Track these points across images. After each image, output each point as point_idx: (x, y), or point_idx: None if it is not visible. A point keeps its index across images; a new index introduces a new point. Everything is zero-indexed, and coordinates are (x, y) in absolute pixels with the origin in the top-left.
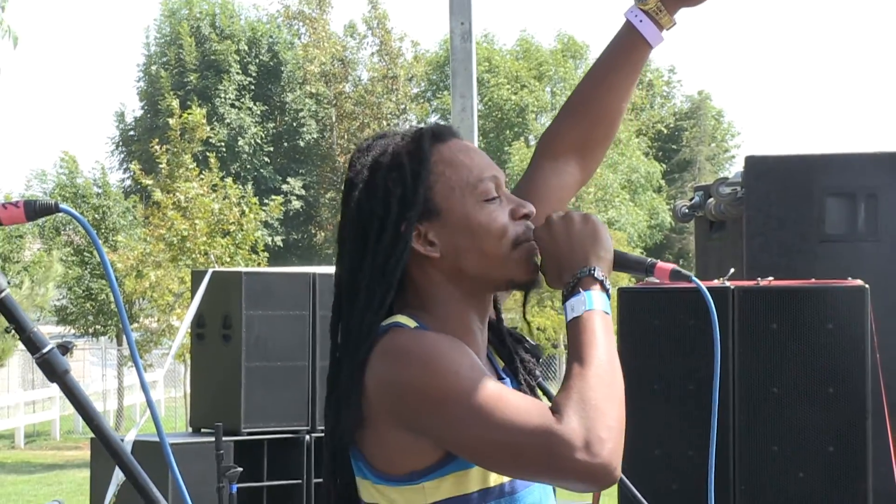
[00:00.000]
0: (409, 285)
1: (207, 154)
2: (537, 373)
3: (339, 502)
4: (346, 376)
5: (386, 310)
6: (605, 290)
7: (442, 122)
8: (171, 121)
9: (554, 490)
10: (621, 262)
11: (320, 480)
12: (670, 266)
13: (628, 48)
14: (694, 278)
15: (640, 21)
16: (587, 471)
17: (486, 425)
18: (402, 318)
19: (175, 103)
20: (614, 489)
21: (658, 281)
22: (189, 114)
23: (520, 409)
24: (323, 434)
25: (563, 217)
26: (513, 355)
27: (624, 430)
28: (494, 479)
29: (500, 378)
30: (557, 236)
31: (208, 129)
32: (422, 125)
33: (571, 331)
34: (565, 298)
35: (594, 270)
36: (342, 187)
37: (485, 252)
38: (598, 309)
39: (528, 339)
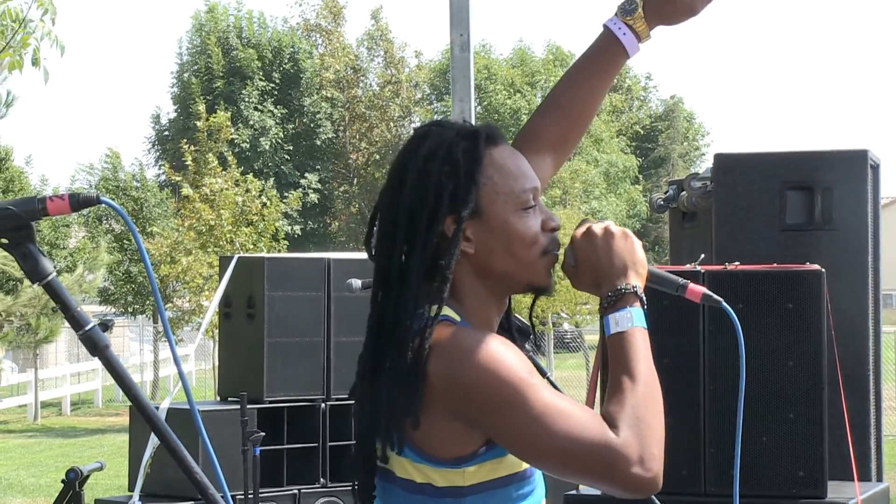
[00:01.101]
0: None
1: (227, 154)
2: (528, 348)
3: (367, 467)
4: (402, 363)
5: (441, 306)
6: (643, 306)
7: (493, 125)
8: (198, 123)
9: None
10: (654, 279)
11: (335, 444)
12: (701, 290)
13: (607, 55)
14: (724, 303)
15: (623, 33)
16: (640, 483)
17: (549, 432)
18: (448, 311)
19: (202, 107)
20: None
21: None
22: (214, 117)
23: (580, 419)
24: (353, 406)
25: (605, 230)
26: (509, 335)
27: (664, 440)
28: (521, 465)
29: None
30: (598, 249)
31: (233, 130)
32: (475, 124)
33: (616, 344)
34: (607, 311)
35: (637, 288)
36: (392, 166)
37: (514, 255)
38: (639, 325)
39: (519, 317)
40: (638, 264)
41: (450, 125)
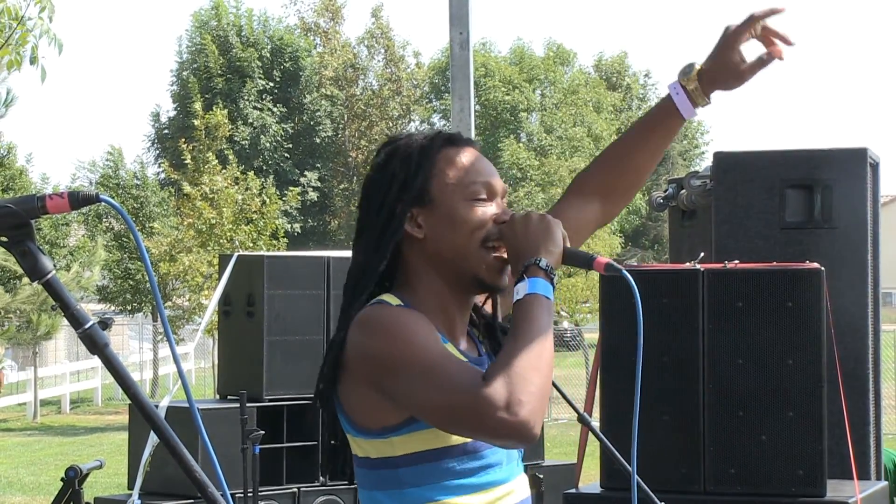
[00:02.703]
0: (401, 263)
1: (227, 152)
2: None
3: (331, 453)
4: (333, 340)
5: (377, 278)
6: (550, 279)
7: (459, 133)
8: (196, 121)
9: (520, 452)
10: (569, 257)
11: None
12: (606, 260)
13: (663, 117)
14: (624, 271)
15: (677, 93)
16: (506, 427)
17: (428, 388)
18: (387, 297)
19: (198, 105)
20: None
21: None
22: (211, 115)
23: (455, 374)
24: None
25: (524, 216)
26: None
27: (547, 397)
28: (455, 438)
29: (479, 354)
30: (517, 232)
31: (231, 127)
32: (438, 129)
33: (514, 312)
34: (515, 284)
35: (540, 261)
36: (355, 179)
37: (458, 242)
38: (540, 293)
39: (504, 324)
40: (549, 242)
41: (417, 134)
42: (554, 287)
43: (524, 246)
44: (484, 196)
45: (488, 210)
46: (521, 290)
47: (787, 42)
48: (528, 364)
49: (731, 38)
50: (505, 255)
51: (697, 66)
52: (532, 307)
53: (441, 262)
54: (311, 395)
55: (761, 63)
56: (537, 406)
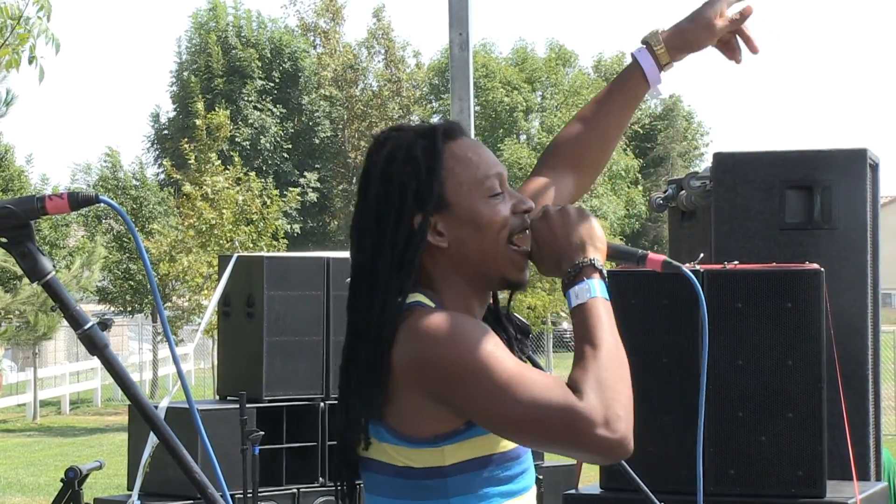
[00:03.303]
0: (420, 269)
1: (230, 152)
2: (527, 344)
3: (347, 464)
4: (370, 354)
5: (406, 295)
6: (604, 279)
7: (452, 120)
8: (197, 122)
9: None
10: (615, 253)
11: (335, 443)
12: (661, 257)
13: (628, 84)
14: (683, 268)
15: (645, 60)
16: (607, 445)
17: (514, 400)
18: (421, 297)
19: (200, 105)
20: None
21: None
22: (213, 115)
23: (544, 385)
24: (337, 401)
25: (560, 210)
26: (507, 333)
27: (632, 405)
28: (503, 444)
29: None
30: (555, 228)
31: (232, 128)
32: (433, 122)
33: (578, 316)
34: (568, 286)
35: (595, 260)
36: (358, 178)
37: (485, 242)
38: (600, 296)
39: (518, 317)
40: (595, 239)
41: (408, 127)
42: (608, 286)
43: (565, 243)
44: (499, 190)
45: (509, 203)
46: (582, 293)
47: (751, 48)
48: (616, 375)
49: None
50: (526, 248)
51: (662, 29)
52: (601, 311)
53: (466, 265)
54: (311, 396)
55: (735, 23)
56: (630, 419)
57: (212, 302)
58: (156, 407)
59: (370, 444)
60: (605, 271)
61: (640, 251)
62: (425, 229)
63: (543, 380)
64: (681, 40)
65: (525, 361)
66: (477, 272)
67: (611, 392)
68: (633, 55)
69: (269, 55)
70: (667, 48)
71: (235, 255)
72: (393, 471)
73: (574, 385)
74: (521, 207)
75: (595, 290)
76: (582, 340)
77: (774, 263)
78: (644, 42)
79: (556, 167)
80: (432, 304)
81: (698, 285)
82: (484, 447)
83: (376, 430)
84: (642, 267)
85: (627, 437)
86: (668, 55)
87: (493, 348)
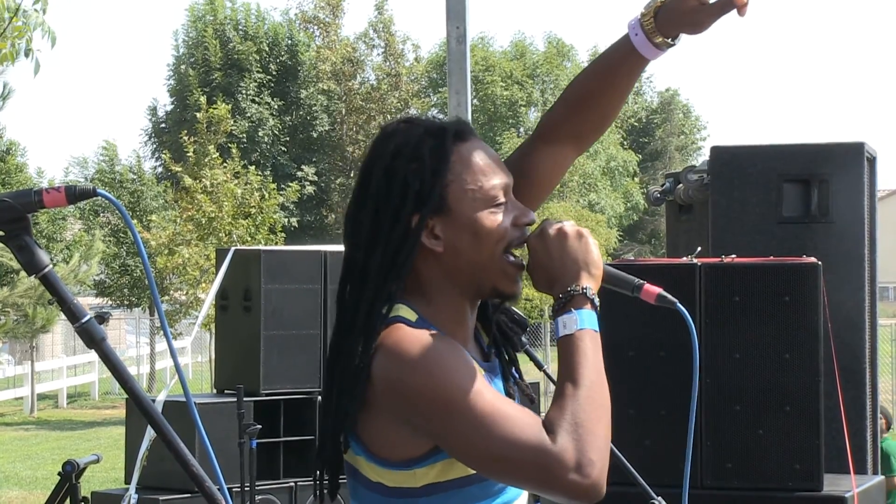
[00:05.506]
0: (412, 273)
1: (230, 145)
2: (524, 340)
3: (326, 461)
4: (350, 361)
5: (394, 300)
6: (595, 308)
7: (463, 120)
8: (198, 115)
9: None
10: (610, 279)
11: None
12: (657, 290)
13: (626, 57)
14: (678, 304)
15: (636, 35)
16: (578, 490)
17: (486, 437)
18: (404, 310)
19: (203, 99)
20: None
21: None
22: (214, 108)
23: (517, 424)
24: (323, 402)
25: (559, 230)
26: (498, 328)
27: (609, 447)
28: None
29: (484, 353)
30: (551, 249)
31: (231, 121)
32: (443, 118)
33: (563, 347)
34: (556, 313)
35: (587, 290)
36: (360, 165)
37: (482, 255)
38: (588, 328)
39: (515, 310)
40: (591, 265)
41: (418, 122)
42: (598, 316)
43: (560, 268)
44: (502, 199)
45: (511, 214)
46: (570, 323)
47: (739, 10)
48: (592, 415)
49: None
50: (521, 261)
51: (658, 2)
52: (585, 345)
53: (459, 274)
54: (309, 390)
55: (721, 9)
56: (605, 463)
57: (209, 296)
58: (153, 400)
59: (349, 449)
60: (596, 301)
61: (636, 280)
62: (421, 230)
63: (518, 418)
64: (668, 23)
65: (516, 361)
66: (469, 281)
67: (587, 435)
68: (629, 34)
69: (266, 48)
70: (663, 30)
71: (233, 248)
72: (368, 483)
73: (549, 425)
74: (522, 220)
75: (584, 322)
76: (563, 377)
77: (772, 257)
78: (641, 18)
79: (554, 141)
80: (415, 318)
81: (692, 323)
82: (457, 469)
83: (353, 442)
84: (637, 296)
85: (599, 482)
86: (661, 36)
87: (469, 381)
